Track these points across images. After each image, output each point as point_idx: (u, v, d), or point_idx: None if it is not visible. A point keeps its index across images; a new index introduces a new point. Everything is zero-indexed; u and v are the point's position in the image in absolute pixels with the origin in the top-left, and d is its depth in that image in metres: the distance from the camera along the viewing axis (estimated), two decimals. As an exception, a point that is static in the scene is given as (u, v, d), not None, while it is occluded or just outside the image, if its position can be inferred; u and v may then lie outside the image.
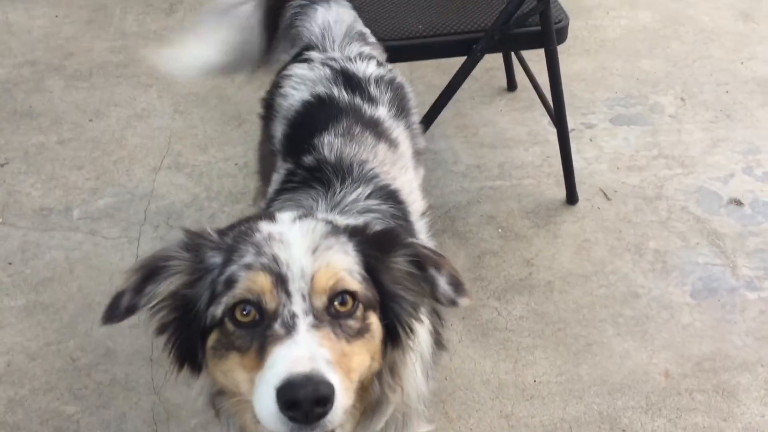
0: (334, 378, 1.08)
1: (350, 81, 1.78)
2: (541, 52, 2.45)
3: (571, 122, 3.06)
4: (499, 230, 2.64)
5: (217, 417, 1.34)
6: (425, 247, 1.29)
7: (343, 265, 1.20)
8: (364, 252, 1.24)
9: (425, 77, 3.27)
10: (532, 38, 2.36)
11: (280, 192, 1.63)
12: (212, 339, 1.20)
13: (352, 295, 1.19)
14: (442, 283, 1.23)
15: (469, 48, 2.35)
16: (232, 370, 1.17)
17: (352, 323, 1.19)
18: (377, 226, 1.33)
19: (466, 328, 2.32)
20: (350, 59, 1.86)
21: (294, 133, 1.74)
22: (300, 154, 1.64)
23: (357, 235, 1.26)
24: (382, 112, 1.78)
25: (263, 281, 1.15)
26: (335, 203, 1.52)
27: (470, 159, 2.92)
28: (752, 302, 2.39)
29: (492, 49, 2.38)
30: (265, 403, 1.07)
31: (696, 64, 3.39)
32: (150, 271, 1.20)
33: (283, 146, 1.75)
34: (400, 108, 1.84)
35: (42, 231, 2.66)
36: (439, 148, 2.96)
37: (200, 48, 2.02)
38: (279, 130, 1.79)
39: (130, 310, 1.20)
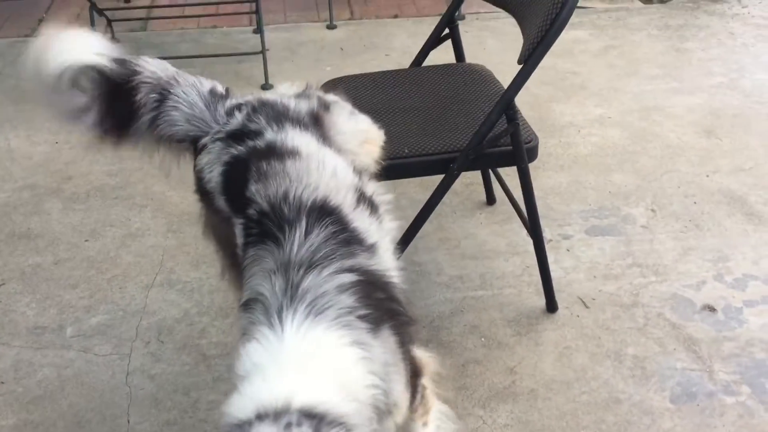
0: None
1: (235, 136, 1.98)
2: (515, 168, 2.61)
3: (548, 233, 3.21)
4: (482, 339, 2.72)
5: None
6: None
7: None
8: None
9: (408, 193, 3.44)
10: (504, 157, 2.53)
11: (245, 246, 1.81)
12: None
13: None
14: None
15: (448, 167, 2.51)
16: None
17: None
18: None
19: (453, 438, 2.35)
20: (224, 123, 2.03)
21: (230, 197, 1.94)
22: (244, 209, 1.85)
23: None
24: (269, 135, 1.94)
25: None
26: (285, 265, 1.63)
27: (453, 270, 3.04)
28: (730, 406, 2.45)
29: (468, 167, 2.53)
30: None
31: (664, 178, 3.58)
32: None
33: (231, 208, 1.94)
34: (278, 116, 1.99)
35: (35, 349, 2.71)
36: (422, 261, 3.08)
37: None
38: (221, 201, 1.98)
39: None
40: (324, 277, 1.59)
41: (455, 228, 3.28)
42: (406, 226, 2.61)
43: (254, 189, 1.85)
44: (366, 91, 2.86)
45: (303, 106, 2.10)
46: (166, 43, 4.93)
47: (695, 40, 4.88)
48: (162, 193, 3.52)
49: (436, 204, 2.60)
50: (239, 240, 1.90)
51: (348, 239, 1.72)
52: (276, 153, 1.90)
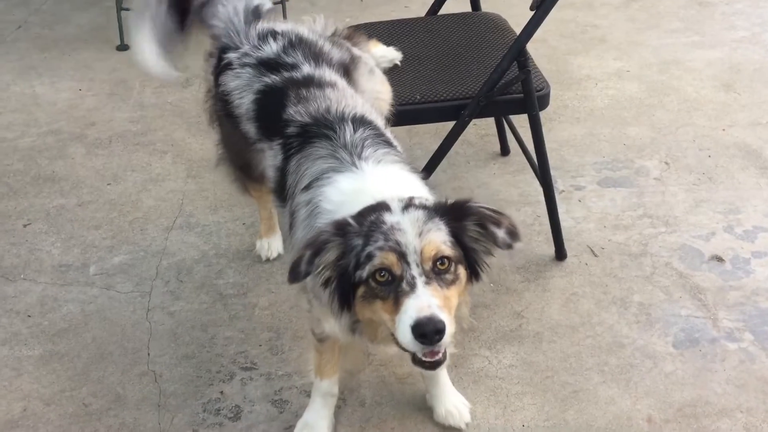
0: (444, 316, 1.66)
1: (269, 65, 2.20)
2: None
3: (561, 184, 3.25)
4: (491, 284, 2.78)
5: (352, 332, 1.89)
6: (488, 209, 1.80)
7: (440, 239, 1.72)
8: (449, 224, 1.76)
9: (423, 143, 3.48)
10: (516, 104, 2.56)
11: (285, 161, 2.08)
12: (361, 291, 1.75)
13: (447, 258, 1.73)
14: (501, 234, 1.77)
15: (459, 113, 2.55)
16: (377, 311, 1.74)
17: (448, 276, 1.74)
18: (452, 201, 1.82)
19: (458, 376, 2.43)
20: (257, 47, 2.24)
21: (264, 122, 2.17)
22: (281, 131, 2.09)
23: (441, 210, 1.77)
24: (306, 69, 2.18)
25: (392, 258, 1.69)
26: (344, 145, 1.97)
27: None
28: (732, 352, 2.50)
29: (479, 114, 2.57)
30: (405, 334, 1.67)
31: (680, 131, 3.59)
32: (317, 250, 1.73)
33: (263, 134, 2.19)
34: (315, 56, 2.22)
35: (60, 286, 2.83)
36: (435, 209, 3.13)
37: (145, 45, 2.38)
38: (250, 127, 2.22)
39: (307, 274, 1.73)
40: (379, 151, 1.97)
41: (469, 177, 3.32)
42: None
43: (293, 111, 2.09)
44: (381, 40, 2.88)
45: (336, 54, 2.31)
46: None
47: (719, -6, 4.82)
48: (182, 140, 3.60)
49: (448, 149, 2.64)
50: (274, 161, 2.13)
51: (387, 141, 2.06)
52: (315, 83, 2.15)
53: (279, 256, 2.87)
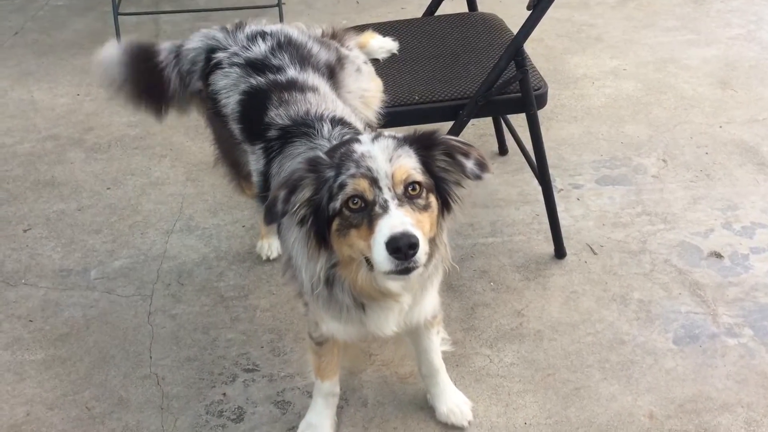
0: (417, 233, 1.67)
1: (256, 66, 2.22)
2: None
3: (560, 183, 3.26)
4: (491, 283, 2.79)
5: (326, 284, 1.88)
6: (456, 141, 1.80)
7: (410, 165, 1.74)
8: (419, 152, 1.78)
9: (421, 144, 3.48)
10: (513, 103, 2.57)
11: (268, 164, 2.10)
12: (335, 224, 1.75)
13: (418, 183, 1.74)
14: (469, 165, 1.77)
15: (457, 113, 2.56)
16: (352, 241, 1.74)
17: (420, 201, 1.74)
18: (421, 131, 1.83)
19: (460, 375, 2.44)
20: (246, 47, 2.27)
21: (247, 124, 2.19)
22: (263, 135, 2.11)
23: (410, 140, 1.79)
24: (291, 72, 2.20)
25: (364, 183, 1.71)
26: (322, 137, 1.98)
27: (464, 218, 3.08)
28: (732, 348, 2.51)
29: (477, 114, 2.58)
30: (379, 253, 1.66)
31: (677, 129, 3.60)
32: (292, 188, 1.74)
33: (245, 136, 2.21)
34: (302, 59, 2.25)
35: (61, 290, 2.83)
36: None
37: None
38: (235, 128, 2.24)
39: (284, 214, 1.75)
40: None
41: (467, 177, 3.33)
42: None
43: (274, 114, 2.11)
44: (379, 40, 2.89)
45: (323, 56, 2.33)
46: (183, -3, 4.97)
47: (715, -8, 4.83)
48: (181, 144, 3.61)
49: (447, 150, 2.65)
50: (257, 165, 2.15)
51: None
52: (297, 87, 2.17)
53: (279, 256, 2.88)
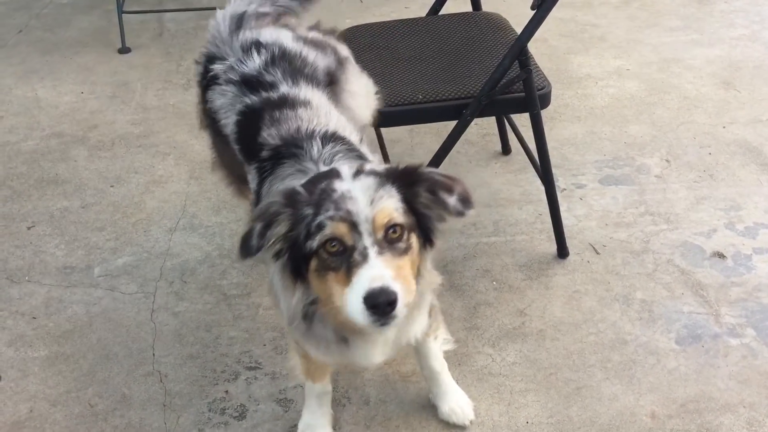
0: (397, 286, 1.62)
1: (250, 83, 2.17)
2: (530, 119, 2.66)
3: (563, 183, 3.26)
4: (494, 283, 2.79)
5: (304, 319, 1.83)
6: (440, 176, 1.74)
7: (392, 207, 1.68)
8: (401, 190, 1.72)
9: (424, 143, 3.49)
10: (517, 103, 2.57)
11: (260, 183, 2.05)
12: (314, 264, 1.70)
13: (400, 225, 1.69)
14: (452, 201, 1.72)
15: (461, 113, 2.56)
16: (330, 284, 1.69)
17: (401, 245, 1.69)
18: (403, 165, 1.77)
19: (462, 374, 2.45)
20: (242, 61, 2.22)
21: (244, 145, 2.17)
22: (257, 155, 2.07)
23: (393, 176, 1.73)
24: (283, 88, 2.14)
25: (343, 228, 1.65)
26: (311, 159, 1.93)
27: (467, 217, 3.09)
28: (735, 348, 2.51)
29: (481, 113, 2.58)
30: (355, 305, 1.62)
31: (680, 129, 3.60)
32: (268, 222, 1.68)
33: (244, 157, 2.19)
34: (294, 71, 2.19)
35: (64, 288, 2.84)
36: (437, 208, 3.14)
37: None
38: (236, 149, 2.23)
39: (259, 249, 1.69)
40: (348, 159, 1.91)
41: (470, 176, 3.33)
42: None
43: (266, 134, 2.06)
44: (382, 40, 2.90)
45: (320, 63, 2.27)
46: (187, -5, 4.97)
47: (719, -8, 4.83)
48: (185, 142, 3.61)
49: (450, 149, 2.65)
50: (253, 184, 2.11)
51: (360, 156, 1.98)
52: (288, 103, 2.11)
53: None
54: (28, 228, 3.13)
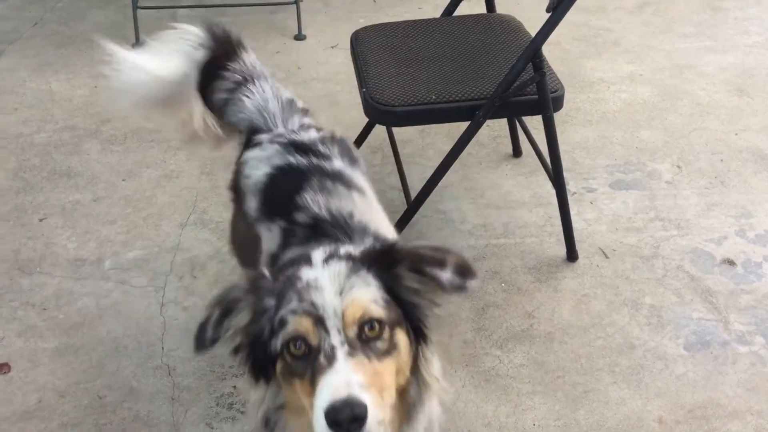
0: (368, 398, 1.32)
1: (300, 148, 1.95)
2: (541, 121, 2.66)
3: (573, 186, 3.26)
4: (503, 284, 2.79)
5: (265, 428, 1.57)
6: (424, 250, 1.46)
7: (367, 297, 1.42)
8: (381, 276, 1.45)
9: (435, 144, 3.50)
10: (530, 105, 2.58)
11: (284, 247, 1.78)
12: (279, 366, 1.46)
13: (378, 321, 1.41)
14: (446, 276, 1.41)
15: (473, 113, 2.56)
16: (296, 394, 1.44)
17: (380, 345, 1.41)
18: (378, 246, 1.53)
19: (470, 375, 2.45)
20: (294, 131, 2.03)
21: (271, 198, 1.89)
22: (288, 213, 1.80)
23: (368, 259, 1.47)
24: (338, 164, 1.92)
25: (306, 323, 1.39)
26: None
27: (477, 219, 3.11)
28: (743, 355, 2.51)
29: (493, 115, 2.58)
30: (318, 422, 1.33)
31: (692, 135, 3.59)
32: (225, 310, 1.43)
33: (264, 212, 1.90)
34: (350, 158, 1.99)
35: (75, 280, 2.85)
36: (447, 209, 3.15)
37: (150, 60, 2.16)
38: (252, 202, 1.94)
39: (214, 341, 1.43)
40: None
41: (481, 178, 3.34)
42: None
43: (310, 199, 1.79)
44: (396, 40, 2.91)
45: (362, 166, 2.07)
46: (202, -8, 4.99)
47: (733, -1, 4.82)
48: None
49: (461, 150, 2.66)
50: (270, 244, 1.83)
51: None
52: (344, 180, 1.87)
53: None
54: (40, 220, 3.15)
